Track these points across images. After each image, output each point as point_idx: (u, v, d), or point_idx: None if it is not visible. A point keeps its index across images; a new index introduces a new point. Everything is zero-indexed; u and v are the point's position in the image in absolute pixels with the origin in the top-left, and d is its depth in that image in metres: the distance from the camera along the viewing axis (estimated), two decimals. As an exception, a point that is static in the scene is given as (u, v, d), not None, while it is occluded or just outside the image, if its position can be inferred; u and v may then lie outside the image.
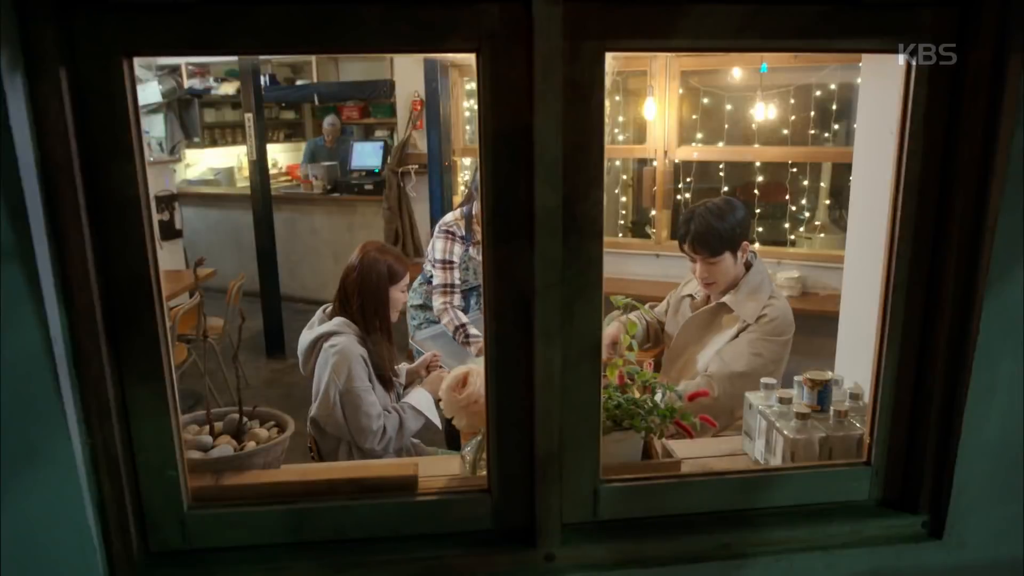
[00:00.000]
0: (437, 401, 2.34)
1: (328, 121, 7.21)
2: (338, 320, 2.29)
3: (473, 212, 3.07)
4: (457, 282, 3.07)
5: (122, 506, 1.07)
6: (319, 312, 2.38)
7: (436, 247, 3.09)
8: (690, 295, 2.35)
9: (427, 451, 2.54)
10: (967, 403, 1.17)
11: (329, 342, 2.23)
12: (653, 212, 4.74)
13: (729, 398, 2.02)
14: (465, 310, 3.13)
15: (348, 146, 6.88)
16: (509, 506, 1.19)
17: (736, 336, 2.13)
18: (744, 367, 2.05)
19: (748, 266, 2.20)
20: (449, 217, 3.14)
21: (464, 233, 3.09)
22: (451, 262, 3.06)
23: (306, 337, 2.31)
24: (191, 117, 6.98)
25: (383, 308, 2.31)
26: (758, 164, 4.63)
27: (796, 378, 1.58)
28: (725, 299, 2.18)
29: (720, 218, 2.14)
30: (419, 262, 5.29)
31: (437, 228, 3.15)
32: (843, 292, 1.93)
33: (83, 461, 1.01)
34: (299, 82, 8.23)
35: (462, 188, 5.26)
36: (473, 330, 3.01)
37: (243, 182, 7.30)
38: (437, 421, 2.36)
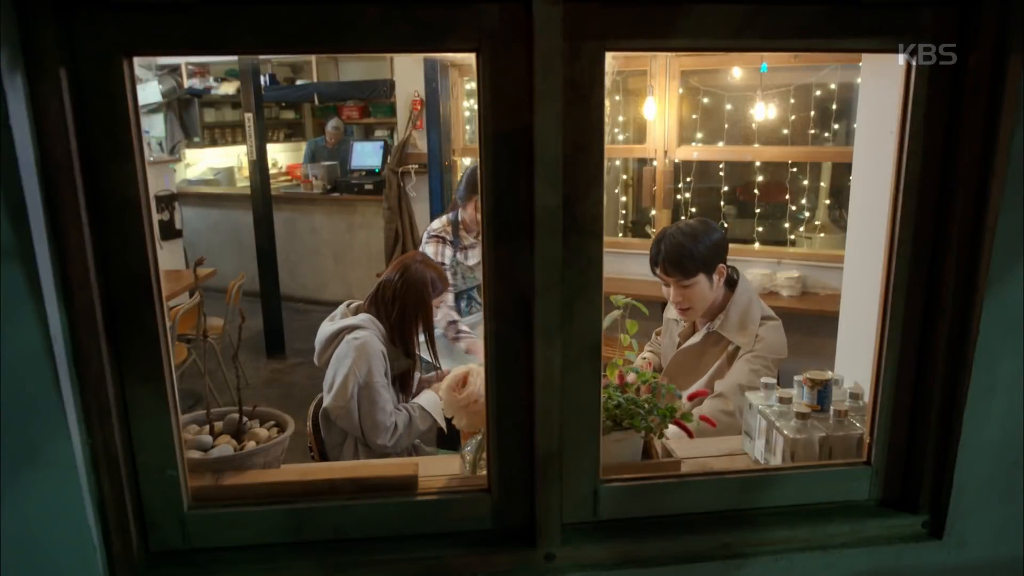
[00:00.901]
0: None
1: (332, 124, 7.22)
2: (364, 316, 2.31)
3: (460, 218, 3.22)
4: (449, 281, 3.15)
5: (122, 506, 1.07)
6: (342, 306, 2.41)
7: (427, 251, 3.21)
8: (675, 319, 2.28)
9: (427, 451, 2.55)
10: (967, 403, 1.16)
11: (352, 335, 2.25)
12: (653, 212, 4.74)
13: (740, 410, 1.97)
14: (458, 313, 3.22)
15: (348, 146, 6.88)
16: (509, 506, 1.19)
17: (729, 359, 2.08)
18: (745, 380, 1.99)
19: (732, 286, 2.12)
20: (437, 224, 3.29)
21: (452, 238, 3.21)
22: (442, 264, 3.18)
23: (327, 328, 2.32)
24: (191, 117, 6.98)
25: (424, 316, 2.34)
26: (758, 164, 4.63)
27: (796, 378, 1.58)
28: (716, 328, 2.09)
29: (693, 239, 2.05)
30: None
31: (426, 234, 3.30)
32: (843, 292, 1.93)
33: (83, 461, 1.01)
34: (299, 82, 8.24)
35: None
36: (463, 326, 3.11)
37: (243, 182, 7.30)
38: (443, 422, 2.37)
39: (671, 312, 2.30)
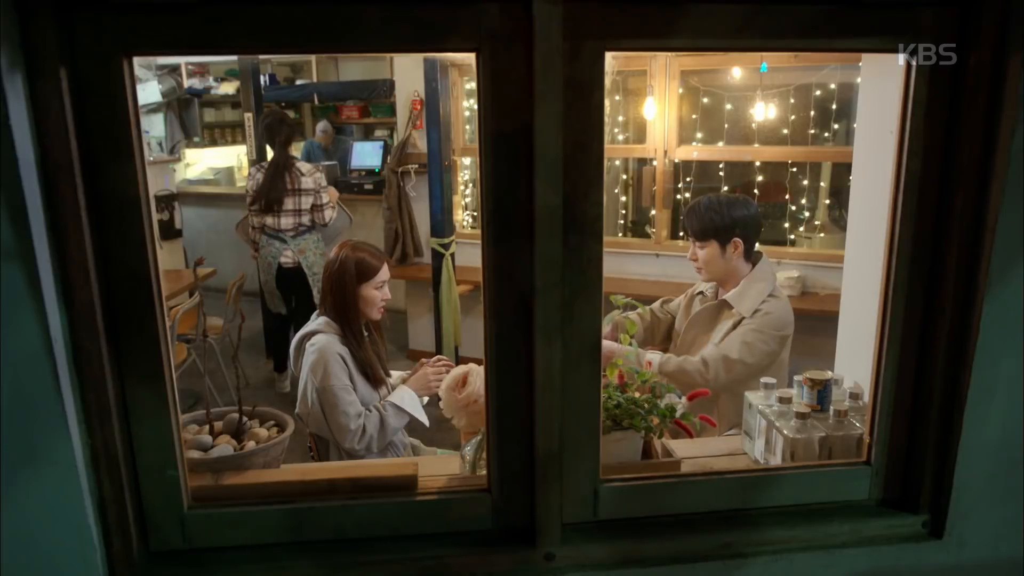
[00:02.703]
0: (430, 398, 2.33)
1: (320, 128, 7.21)
2: (321, 319, 2.30)
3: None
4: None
5: (122, 506, 1.07)
6: (315, 312, 2.40)
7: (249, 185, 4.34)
8: (701, 292, 2.45)
9: (426, 451, 2.54)
10: (967, 403, 1.16)
11: (310, 341, 2.25)
12: (653, 212, 4.73)
13: (725, 381, 2.14)
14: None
15: (348, 146, 6.87)
16: (509, 506, 1.19)
17: (733, 329, 2.22)
18: (736, 355, 2.14)
19: (755, 265, 2.29)
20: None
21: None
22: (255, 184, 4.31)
23: (296, 336, 2.34)
24: (191, 117, 6.97)
25: (352, 305, 2.29)
26: (758, 164, 4.63)
27: (796, 378, 1.58)
28: (727, 296, 2.27)
29: (717, 208, 2.26)
30: (419, 262, 5.30)
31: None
32: (843, 292, 1.93)
33: (83, 461, 1.01)
34: (299, 82, 8.23)
35: (462, 188, 5.26)
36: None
37: (243, 182, 7.29)
38: (422, 418, 2.34)
39: (698, 287, 2.47)
